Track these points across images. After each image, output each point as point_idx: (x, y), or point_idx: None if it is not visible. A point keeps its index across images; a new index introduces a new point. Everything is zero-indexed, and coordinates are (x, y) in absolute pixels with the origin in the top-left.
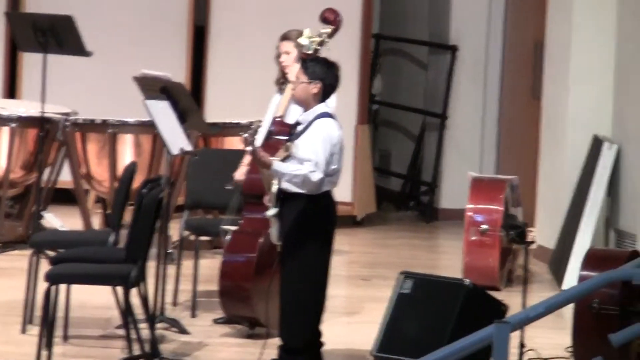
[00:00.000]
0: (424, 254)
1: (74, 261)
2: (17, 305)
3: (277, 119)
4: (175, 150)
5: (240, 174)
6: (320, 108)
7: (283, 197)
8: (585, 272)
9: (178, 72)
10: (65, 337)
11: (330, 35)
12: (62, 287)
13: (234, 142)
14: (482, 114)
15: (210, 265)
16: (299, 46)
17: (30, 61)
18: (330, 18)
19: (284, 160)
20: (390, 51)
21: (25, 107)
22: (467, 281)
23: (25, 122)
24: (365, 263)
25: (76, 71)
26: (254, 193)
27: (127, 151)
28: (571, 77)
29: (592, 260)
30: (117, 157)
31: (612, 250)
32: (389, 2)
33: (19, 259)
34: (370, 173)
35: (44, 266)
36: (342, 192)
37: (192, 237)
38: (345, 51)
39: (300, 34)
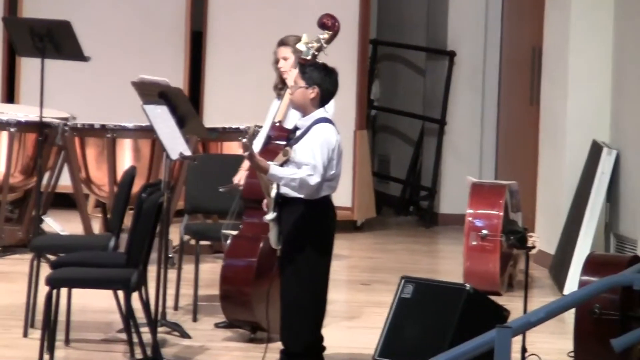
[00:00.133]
0: (424, 259)
1: (75, 265)
2: (19, 309)
3: (276, 124)
4: (174, 155)
5: (239, 178)
6: (319, 113)
7: (282, 201)
8: (585, 277)
9: (176, 77)
10: (67, 341)
11: (329, 40)
12: (63, 291)
13: (233, 147)
14: (481, 119)
15: (211, 269)
16: (297, 52)
17: (28, 66)
18: (328, 24)
19: (282, 164)
20: (388, 57)
21: (24, 111)
22: (468, 286)
23: (24, 126)
24: (365, 268)
25: (75, 76)
26: (253, 198)
27: (126, 156)
28: (569, 82)
29: (593, 265)
30: (116, 161)
31: (613, 255)
32: (386, 8)
33: (20, 263)
34: (370, 178)
35: (45, 270)
36: (342, 197)
37: (193, 242)
38: (343, 57)
39: (298, 39)
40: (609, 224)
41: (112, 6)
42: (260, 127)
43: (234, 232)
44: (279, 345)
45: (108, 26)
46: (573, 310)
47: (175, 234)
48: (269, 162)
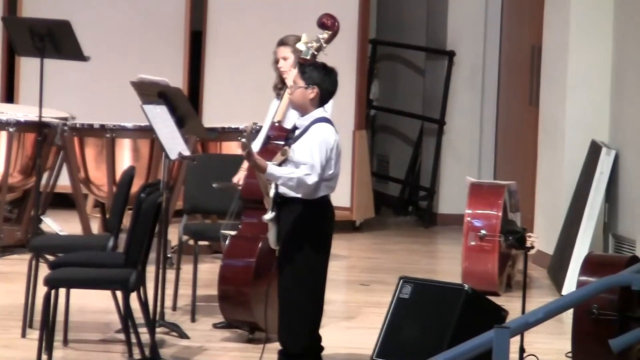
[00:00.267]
0: (423, 259)
1: (74, 265)
2: (17, 310)
3: (275, 124)
4: (173, 155)
5: (238, 178)
6: (318, 113)
7: (280, 201)
8: (584, 278)
9: (175, 77)
10: (65, 341)
11: (328, 40)
12: (62, 291)
13: (232, 147)
14: (480, 119)
15: (210, 269)
16: (297, 52)
17: (28, 66)
18: (328, 23)
19: (281, 164)
20: (387, 56)
21: (23, 111)
22: (466, 286)
23: (23, 126)
24: (364, 268)
25: (74, 76)
26: (252, 198)
27: (125, 156)
28: (568, 81)
29: (591, 265)
30: (115, 161)
31: (611, 255)
32: (386, 7)
33: (18, 263)
34: (369, 178)
35: (44, 270)
36: (341, 197)
37: (191, 242)
38: (343, 56)
39: (297, 39)
40: (608, 224)
41: (112, 6)
42: (257, 124)
43: (233, 233)
44: (277, 346)
45: (108, 26)
46: (571, 311)
47: (174, 234)
48: (267, 162)
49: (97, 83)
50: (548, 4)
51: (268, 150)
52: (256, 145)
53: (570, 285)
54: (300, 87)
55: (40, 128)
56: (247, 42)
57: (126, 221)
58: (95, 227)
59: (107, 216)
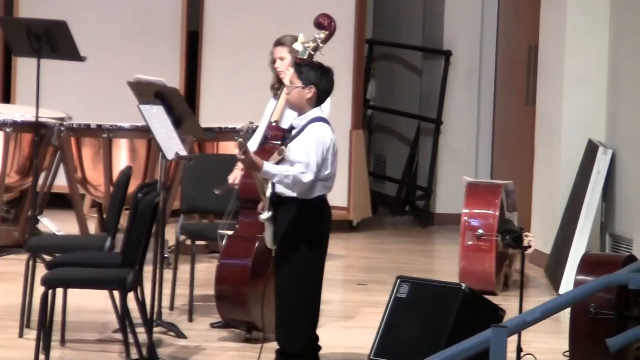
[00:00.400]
0: (420, 259)
1: (71, 265)
2: (14, 310)
3: (272, 124)
4: (170, 155)
5: (234, 177)
6: (315, 112)
7: (277, 201)
8: (581, 277)
9: (172, 77)
10: (63, 341)
11: (325, 40)
12: (59, 291)
13: (229, 147)
14: (477, 118)
15: (207, 269)
16: (294, 52)
17: (24, 66)
18: (325, 23)
19: (277, 163)
20: (384, 56)
21: (20, 111)
22: (463, 285)
23: (20, 126)
24: (361, 268)
25: (71, 76)
26: (249, 198)
27: (122, 156)
28: (565, 81)
29: (588, 264)
30: (112, 161)
31: (608, 254)
32: (382, 7)
33: (15, 263)
34: (366, 178)
35: (41, 270)
36: (338, 197)
37: (188, 242)
38: (339, 56)
39: (294, 39)
40: (605, 224)
41: (109, 6)
42: (253, 123)
43: (230, 232)
44: (274, 345)
45: (104, 26)
46: (568, 310)
47: (171, 234)
48: (263, 160)
49: (93, 83)
50: (544, 4)
51: (265, 150)
52: (252, 145)
53: (567, 284)
54: (297, 87)
55: (37, 128)
56: (243, 42)
57: (123, 221)
58: (92, 227)
59: (104, 216)
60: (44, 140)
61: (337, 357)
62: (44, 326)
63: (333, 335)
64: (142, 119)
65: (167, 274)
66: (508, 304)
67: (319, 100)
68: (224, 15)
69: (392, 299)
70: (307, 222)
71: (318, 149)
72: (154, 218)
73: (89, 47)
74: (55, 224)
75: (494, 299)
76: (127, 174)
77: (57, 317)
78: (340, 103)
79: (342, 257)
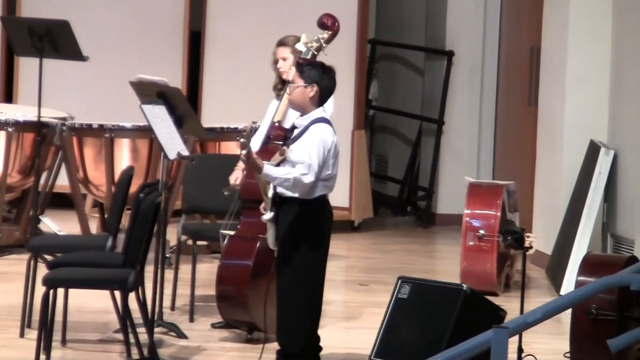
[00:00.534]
0: (422, 259)
1: (72, 265)
2: (15, 310)
3: (275, 124)
4: (172, 155)
5: (235, 178)
6: (317, 113)
7: (279, 201)
8: (582, 278)
9: (174, 77)
10: (64, 341)
11: (328, 40)
12: (60, 291)
13: (231, 147)
14: (479, 119)
15: (208, 269)
16: (296, 52)
17: (27, 66)
18: (328, 23)
19: (279, 164)
20: (386, 56)
21: (22, 111)
22: (465, 286)
23: (22, 126)
24: (363, 268)
25: (73, 76)
26: (251, 198)
27: (124, 156)
28: (567, 82)
29: (590, 265)
30: (114, 161)
31: (610, 255)
32: (385, 7)
33: (17, 263)
34: (367, 178)
35: (42, 270)
36: (339, 197)
37: (190, 242)
38: (342, 56)
39: (297, 39)
40: (606, 224)
41: (111, 6)
42: (256, 123)
43: (232, 232)
44: (275, 346)
45: (107, 26)
46: (570, 311)
47: (172, 234)
48: (264, 162)
49: (96, 83)
50: (547, 5)
51: (268, 150)
52: (254, 145)
53: (568, 285)
54: (299, 86)
55: (39, 128)
56: (246, 42)
57: (125, 221)
58: (94, 227)
59: (106, 216)
60: (46, 140)
61: (339, 357)
62: (45, 326)
63: (334, 335)
64: (144, 119)
65: (169, 274)
66: (509, 304)
67: (321, 99)
68: (227, 15)
69: (394, 299)
70: (308, 222)
71: (320, 150)
72: (155, 218)
73: (91, 46)
74: (56, 224)
75: (495, 300)
76: (128, 174)
77: (58, 317)
78: (342, 103)
79: (343, 258)
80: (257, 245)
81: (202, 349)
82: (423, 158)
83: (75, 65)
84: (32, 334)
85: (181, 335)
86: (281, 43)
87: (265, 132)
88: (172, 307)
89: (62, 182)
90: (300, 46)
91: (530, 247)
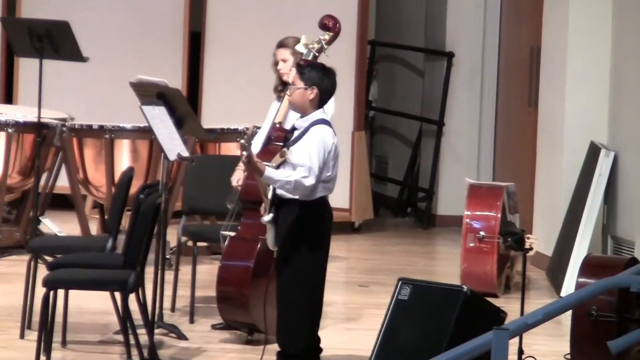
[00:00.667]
0: (422, 261)
1: (72, 266)
2: (16, 311)
3: (276, 125)
4: (172, 156)
5: (236, 178)
6: (317, 115)
7: (278, 202)
8: (582, 279)
9: (174, 78)
10: (64, 343)
11: (329, 41)
12: (60, 292)
13: (231, 148)
14: (479, 120)
15: (208, 271)
16: (296, 53)
17: (27, 67)
18: (329, 24)
19: (279, 166)
20: (386, 58)
21: (22, 112)
22: (465, 287)
23: (22, 127)
24: (363, 269)
25: (73, 77)
26: (251, 199)
27: (124, 157)
28: (567, 83)
29: (590, 267)
30: (114, 162)
31: (610, 257)
32: (385, 8)
33: (17, 264)
34: (367, 179)
35: (42, 271)
36: (339, 199)
37: (190, 243)
38: (341, 57)
39: (296, 41)
40: (607, 226)
41: (111, 7)
42: (259, 127)
43: (232, 234)
44: (276, 347)
45: (106, 27)
46: (570, 312)
47: (172, 235)
48: (265, 164)
49: (96, 84)
50: (547, 5)
51: (269, 151)
52: (255, 146)
53: (569, 286)
54: (299, 88)
55: (39, 129)
56: (246, 43)
57: (125, 222)
58: (94, 228)
59: (106, 217)
60: (46, 140)
61: (339, 358)
62: (45, 327)
63: (335, 337)
64: (144, 120)
65: (169, 275)
66: (509, 306)
67: (321, 101)
68: (227, 16)
69: (394, 300)
70: (308, 224)
71: (320, 152)
72: (155, 219)
73: (91, 47)
74: (56, 225)
75: (496, 301)
76: (129, 175)
77: (59, 318)
78: (342, 104)
79: (343, 259)
80: (258, 246)
81: (203, 351)
82: (423, 159)
83: (75, 66)
84: (32, 335)
85: (181, 336)
86: (281, 44)
87: (266, 133)
88: (173, 309)
89: (62, 183)
90: (300, 47)
91: (531, 249)
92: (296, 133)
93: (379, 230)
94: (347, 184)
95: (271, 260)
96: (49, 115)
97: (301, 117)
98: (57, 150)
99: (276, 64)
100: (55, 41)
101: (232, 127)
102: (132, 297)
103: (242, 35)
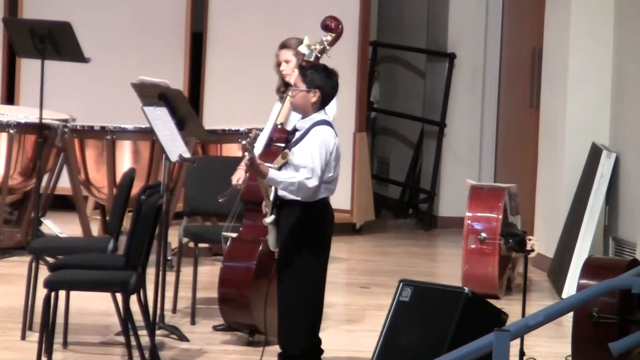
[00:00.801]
0: (423, 262)
1: (73, 268)
2: (17, 312)
3: (278, 126)
4: (174, 157)
5: (236, 177)
6: (318, 116)
7: (280, 203)
8: (584, 281)
9: (176, 79)
10: (65, 344)
11: (332, 42)
12: (62, 293)
13: (232, 149)
14: (480, 121)
15: (210, 272)
16: (299, 54)
17: (28, 67)
18: (332, 26)
19: (281, 167)
20: (388, 59)
21: (23, 113)
22: (466, 289)
23: (23, 128)
24: (364, 271)
25: (75, 78)
26: (253, 200)
27: (125, 158)
28: (569, 84)
29: (591, 268)
30: (115, 163)
31: (611, 258)
32: (387, 9)
33: (18, 265)
34: (369, 181)
35: (43, 272)
36: (341, 200)
37: (191, 244)
38: (343, 58)
39: (299, 42)
40: (608, 227)
41: (112, 7)
42: (262, 129)
43: (234, 235)
44: (277, 349)
45: (108, 27)
46: (571, 314)
47: (174, 236)
48: (268, 166)
49: (97, 85)
50: (548, 6)
51: (271, 152)
52: (258, 147)
53: (570, 288)
54: (301, 91)
55: (40, 130)
56: (247, 43)
57: (126, 223)
58: (96, 229)
59: (107, 218)
60: (47, 141)
61: None
62: (47, 328)
63: (336, 338)
64: (146, 121)
65: (170, 277)
66: (511, 307)
67: (323, 103)
68: (228, 16)
69: (395, 302)
70: (309, 225)
71: (322, 153)
72: (157, 220)
73: (93, 48)
74: (58, 226)
75: (497, 303)
76: (130, 176)
77: (60, 319)
78: (344, 105)
79: (345, 260)
80: (260, 247)
81: (204, 352)
82: (424, 160)
83: (76, 66)
84: (34, 337)
85: (182, 337)
86: (283, 45)
87: (268, 134)
88: (174, 310)
89: (64, 184)
90: (303, 48)
91: (532, 250)
92: (297, 134)
93: (380, 231)
94: (348, 185)
95: (272, 262)
96: (51, 116)
97: (302, 118)
98: (59, 151)
99: (278, 65)
100: (57, 42)
101: (233, 128)
102: (133, 299)
103: (244, 36)
